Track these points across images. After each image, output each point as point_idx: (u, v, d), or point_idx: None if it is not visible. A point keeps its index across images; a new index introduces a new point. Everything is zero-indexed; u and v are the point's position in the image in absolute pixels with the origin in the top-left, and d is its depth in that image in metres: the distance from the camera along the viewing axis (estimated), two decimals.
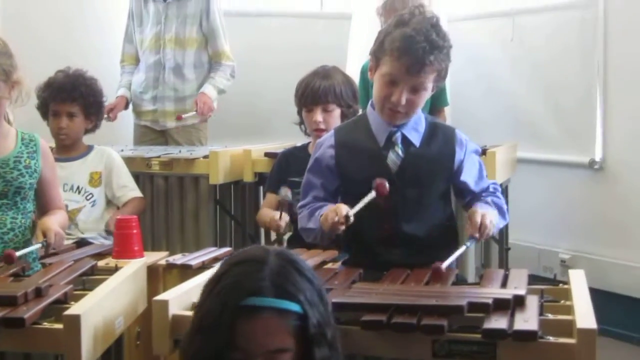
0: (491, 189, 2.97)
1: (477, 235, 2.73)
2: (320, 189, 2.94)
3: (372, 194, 2.70)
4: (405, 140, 2.87)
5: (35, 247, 2.97)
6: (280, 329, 1.91)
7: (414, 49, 2.71)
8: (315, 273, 2.07)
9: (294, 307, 1.93)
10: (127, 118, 5.71)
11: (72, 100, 4.14)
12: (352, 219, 2.66)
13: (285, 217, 3.66)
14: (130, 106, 5.63)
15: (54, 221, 3.07)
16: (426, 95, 2.84)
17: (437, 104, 4.88)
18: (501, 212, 2.92)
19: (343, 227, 2.67)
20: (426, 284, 2.55)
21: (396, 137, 2.87)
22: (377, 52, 2.84)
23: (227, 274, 1.98)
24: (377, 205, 2.74)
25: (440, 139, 2.91)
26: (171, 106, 5.50)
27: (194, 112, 5.38)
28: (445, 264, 2.58)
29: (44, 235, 2.97)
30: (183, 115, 5.39)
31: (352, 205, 2.69)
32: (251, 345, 1.90)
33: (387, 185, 2.70)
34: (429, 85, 2.80)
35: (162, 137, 5.60)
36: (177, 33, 5.45)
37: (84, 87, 4.16)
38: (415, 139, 2.88)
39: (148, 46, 5.53)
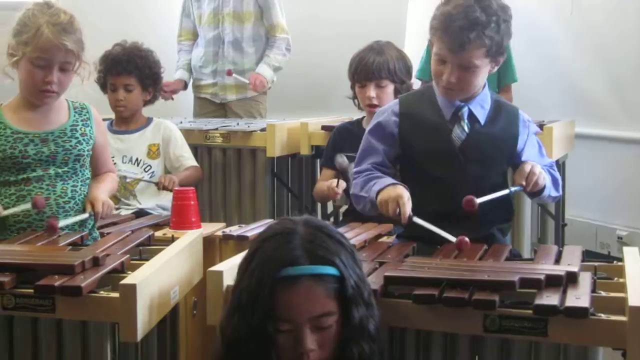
0: (548, 165, 2.97)
1: (523, 182, 2.74)
2: (382, 154, 2.93)
3: (450, 238, 2.66)
4: (471, 117, 2.87)
5: (81, 217, 3.03)
6: (320, 293, 1.95)
7: (451, 28, 2.70)
8: (343, 234, 2.10)
9: (331, 270, 1.96)
10: (187, 91, 5.77)
11: (128, 72, 4.19)
12: (411, 221, 2.67)
13: (342, 184, 3.65)
14: (190, 80, 5.68)
15: (102, 190, 3.13)
16: (480, 72, 2.81)
17: (503, 80, 4.85)
18: (555, 183, 2.91)
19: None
20: (479, 259, 2.56)
21: (463, 112, 2.87)
22: (430, 30, 2.84)
23: (259, 250, 2.01)
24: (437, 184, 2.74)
25: (504, 118, 2.91)
26: (231, 79, 5.54)
27: (247, 82, 5.43)
28: (480, 200, 2.62)
29: (92, 205, 3.02)
30: (234, 74, 5.44)
31: (412, 185, 2.72)
32: (296, 314, 1.94)
33: (468, 242, 2.63)
34: (480, 61, 2.77)
35: (222, 109, 5.65)
36: (234, 7, 5.48)
37: (139, 59, 4.21)
38: (481, 115, 2.88)
39: (207, 21, 5.56)
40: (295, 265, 1.95)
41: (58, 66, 2.98)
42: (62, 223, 2.93)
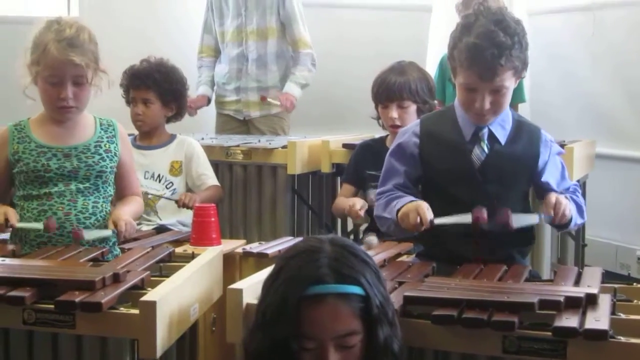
0: (571, 189, 2.96)
1: (551, 212, 2.73)
2: (403, 175, 2.94)
3: (467, 218, 2.69)
4: (492, 137, 2.87)
5: (104, 233, 3.04)
6: (345, 312, 1.96)
7: (482, 59, 2.70)
8: (368, 254, 2.10)
9: (356, 289, 1.97)
10: (209, 107, 5.78)
11: (146, 87, 4.20)
12: (433, 226, 2.68)
13: (365, 206, 3.67)
14: (213, 96, 5.71)
15: (127, 211, 3.13)
16: (510, 91, 2.82)
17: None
18: (579, 210, 2.90)
19: (423, 229, 2.70)
20: (499, 280, 2.56)
21: (483, 132, 2.87)
22: (451, 61, 2.84)
23: (284, 268, 2.02)
24: (457, 204, 2.75)
25: (526, 138, 2.90)
26: (255, 97, 5.55)
27: (278, 103, 5.44)
28: (514, 218, 2.64)
29: (115, 224, 3.02)
30: (268, 98, 5.46)
31: (433, 205, 2.72)
32: (321, 332, 1.95)
33: (485, 215, 2.68)
34: (509, 82, 2.78)
35: (244, 125, 5.65)
36: (258, 24, 5.48)
37: (158, 74, 4.21)
38: (502, 136, 2.88)
39: (230, 38, 5.57)
40: (322, 283, 1.96)
41: (71, 81, 2.99)
42: (86, 235, 2.95)
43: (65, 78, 2.99)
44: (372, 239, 3.25)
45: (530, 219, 2.77)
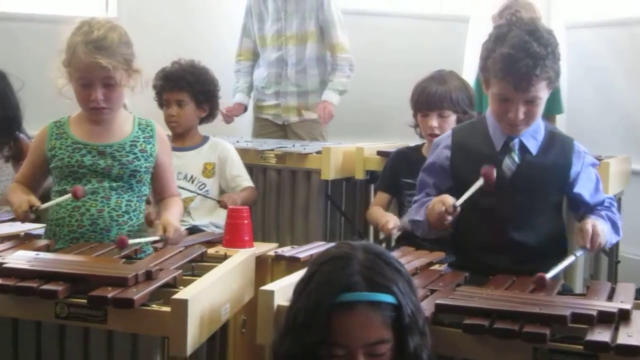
0: (606, 204, 2.93)
1: (588, 245, 2.69)
2: (432, 187, 2.96)
3: (479, 182, 2.70)
4: (522, 147, 2.86)
5: (151, 239, 3.04)
6: (376, 321, 1.95)
7: (517, 69, 2.69)
8: (401, 262, 2.10)
9: (388, 298, 1.96)
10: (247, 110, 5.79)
11: (179, 88, 4.23)
12: (459, 209, 2.67)
13: (397, 224, 3.68)
14: (250, 103, 5.72)
15: (176, 217, 3.14)
16: (543, 102, 2.81)
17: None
18: (615, 227, 2.87)
19: (450, 218, 2.69)
20: (531, 291, 2.54)
21: (513, 143, 2.86)
22: (484, 71, 2.83)
23: (316, 273, 2.02)
24: (488, 215, 2.74)
25: (558, 149, 2.89)
26: (294, 101, 5.57)
27: (315, 117, 5.45)
28: (550, 275, 2.56)
29: (165, 230, 3.02)
30: (304, 113, 5.48)
31: (464, 217, 2.72)
32: (351, 339, 1.94)
33: (494, 172, 2.69)
34: (543, 93, 2.77)
35: (282, 130, 5.66)
36: (297, 29, 5.49)
37: (191, 75, 4.23)
38: (533, 146, 2.87)
39: (270, 42, 5.58)
40: (353, 291, 1.95)
41: (100, 83, 3.02)
42: (132, 241, 2.94)
43: (93, 80, 3.01)
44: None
45: (566, 262, 2.72)
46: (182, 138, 4.29)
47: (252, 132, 5.80)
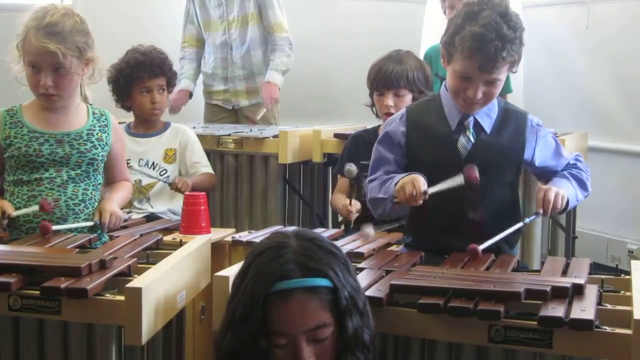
0: (572, 162, 2.97)
1: (540, 210, 2.73)
2: (393, 163, 2.94)
3: (460, 180, 2.69)
4: (477, 126, 2.87)
5: (82, 225, 3.04)
6: (314, 306, 1.95)
7: (486, 49, 2.69)
8: (336, 245, 2.10)
9: (324, 282, 1.97)
10: (197, 96, 5.76)
11: (162, 73, 4.20)
12: (427, 197, 2.67)
13: (357, 204, 3.67)
14: (195, 89, 5.69)
15: (114, 200, 3.15)
16: (502, 84, 2.82)
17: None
18: (581, 184, 2.91)
19: (420, 202, 2.69)
20: (486, 269, 2.56)
21: (468, 121, 2.86)
22: (448, 46, 2.82)
23: (252, 265, 2.01)
24: (461, 193, 2.74)
25: (512, 126, 2.90)
26: (242, 85, 5.56)
27: (264, 111, 5.44)
28: (484, 245, 2.62)
29: (100, 215, 3.03)
30: (256, 118, 5.46)
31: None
32: (291, 327, 1.94)
33: (477, 173, 2.68)
34: (504, 75, 2.79)
35: (234, 115, 5.65)
36: (238, 11, 5.46)
37: (166, 60, 4.22)
38: (487, 124, 2.87)
39: (213, 28, 5.56)
40: (288, 279, 1.95)
41: (50, 68, 2.99)
42: (58, 227, 2.95)
43: (43, 65, 2.99)
44: (369, 230, 3.26)
45: (514, 227, 2.77)
46: (144, 124, 4.25)
47: (203, 119, 5.76)
